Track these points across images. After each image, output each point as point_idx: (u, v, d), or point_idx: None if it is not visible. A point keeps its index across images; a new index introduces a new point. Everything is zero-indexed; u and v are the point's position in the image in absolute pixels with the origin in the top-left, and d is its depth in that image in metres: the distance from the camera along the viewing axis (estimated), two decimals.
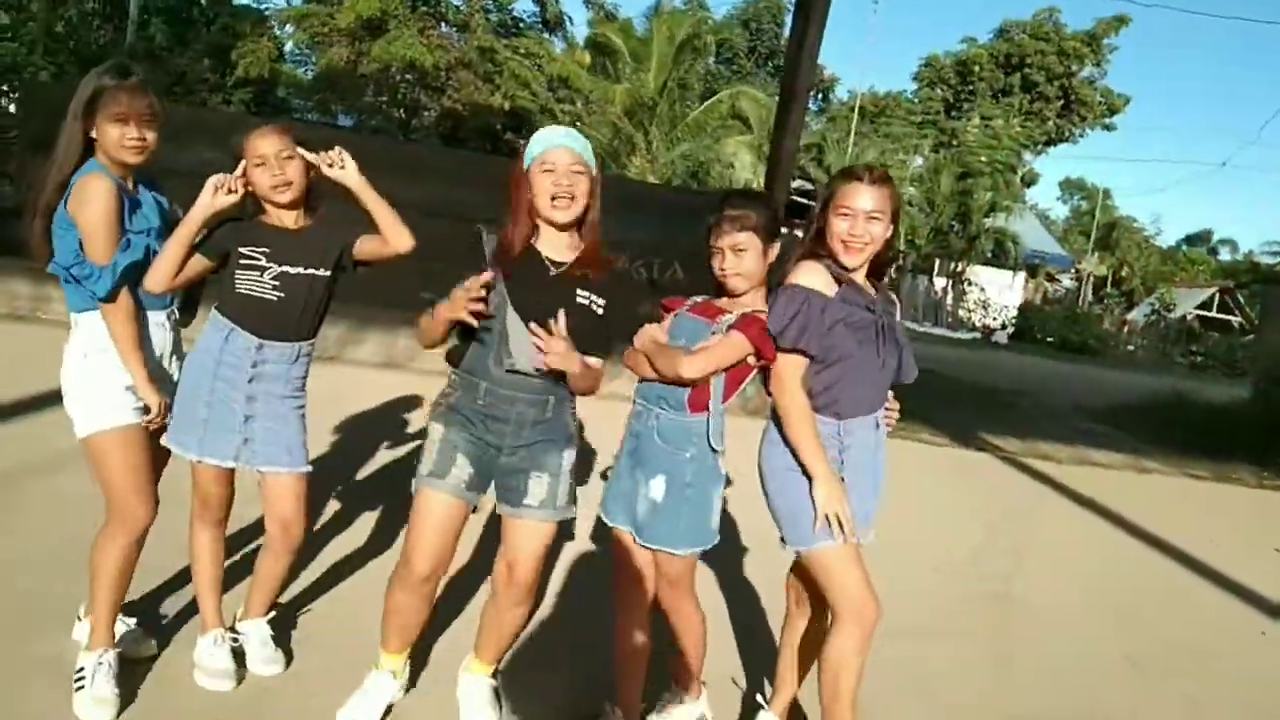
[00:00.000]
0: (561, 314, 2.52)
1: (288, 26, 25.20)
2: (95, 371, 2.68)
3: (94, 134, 2.61)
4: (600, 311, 2.66)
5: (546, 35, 26.88)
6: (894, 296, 2.88)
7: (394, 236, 2.77)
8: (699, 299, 2.90)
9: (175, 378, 2.84)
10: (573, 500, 2.76)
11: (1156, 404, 14.08)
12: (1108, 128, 44.11)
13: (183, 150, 7.97)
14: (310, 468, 2.92)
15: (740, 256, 2.72)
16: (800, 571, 2.92)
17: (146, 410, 2.71)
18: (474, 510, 2.73)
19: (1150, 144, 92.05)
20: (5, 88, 22.90)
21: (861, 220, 2.63)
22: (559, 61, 25.55)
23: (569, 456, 2.74)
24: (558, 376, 2.58)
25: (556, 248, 2.67)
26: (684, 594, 2.86)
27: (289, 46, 26.66)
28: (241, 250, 2.76)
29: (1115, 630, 4.79)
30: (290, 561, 3.02)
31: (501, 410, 2.63)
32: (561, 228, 2.64)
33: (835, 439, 2.67)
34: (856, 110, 36.04)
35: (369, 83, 24.38)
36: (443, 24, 24.56)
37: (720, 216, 2.75)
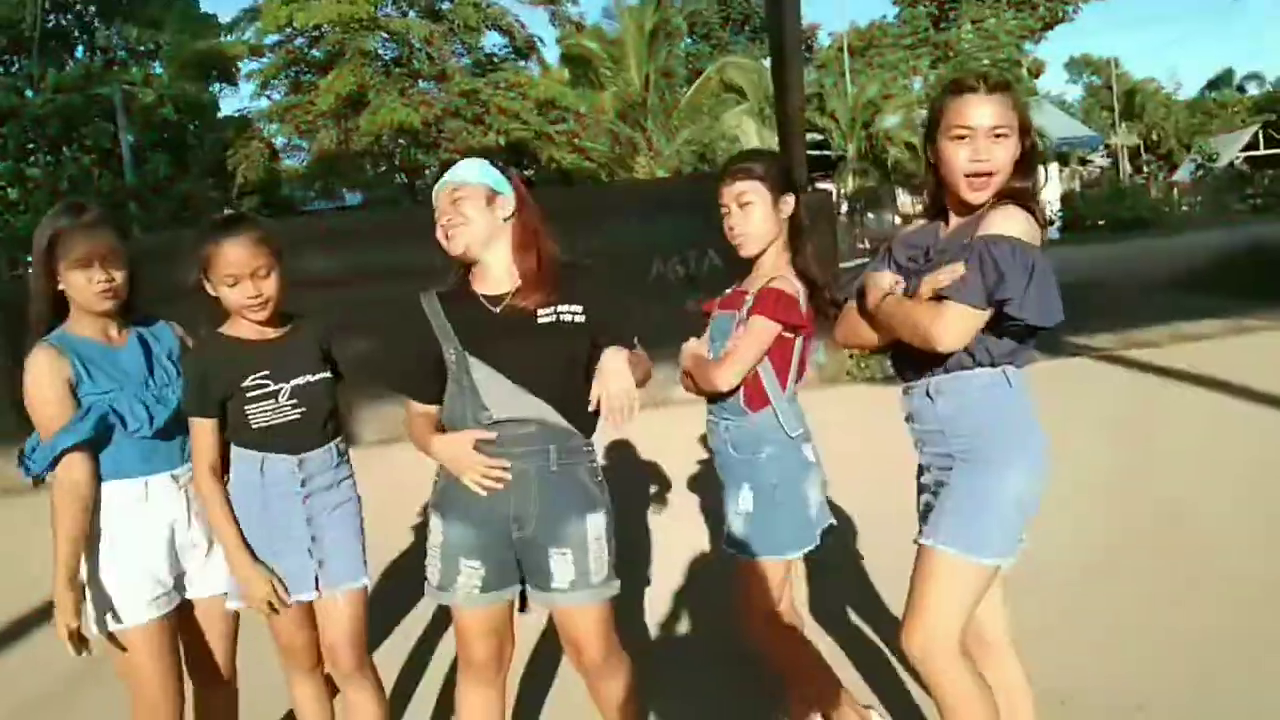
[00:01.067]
0: (604, 385, 2.19)
1: (273, 124, 25.43)
2: (118, 554, 2.42)
3: (61, 286, 2.35)
4: (581, 319, 2.29)
5: (522, 64, 26.77)
6: (998, 236, 2.05)
7: None
8: (729, 291, 2.68)
9: (204, 538, 2.53)
10: (612, 574, 2.34)
11: (1232, 258, 13.48)
12: None
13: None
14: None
15: (746, 210, 2.51)
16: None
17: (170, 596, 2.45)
18: (519, 606, 2.41)
19: (1148, 1, 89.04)
20: (29, 261, 23.37)
21: (984, 139, 2.09)
22: (541, 84, 25.42)
23: (596, 522, 2.31)
24: (571, 415, 2.26)
25: (492, 283, 2.35)
26: (781, 608, 2.60)
27: (279, 142, 26.91)
28: (242, 386, 2.41)
29: None
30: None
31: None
32: (475, 261, 2.34)
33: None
34: (845, 49, 35.34)
35: (365, 157, 24.49)
36: (419, 80, 24.57)
37: (723, 171, 2.61)
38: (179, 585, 2.50)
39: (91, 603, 2.38)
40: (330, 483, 2.52)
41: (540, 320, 2.28)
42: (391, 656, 3.81)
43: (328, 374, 2.53)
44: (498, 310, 2.31)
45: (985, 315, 2.05)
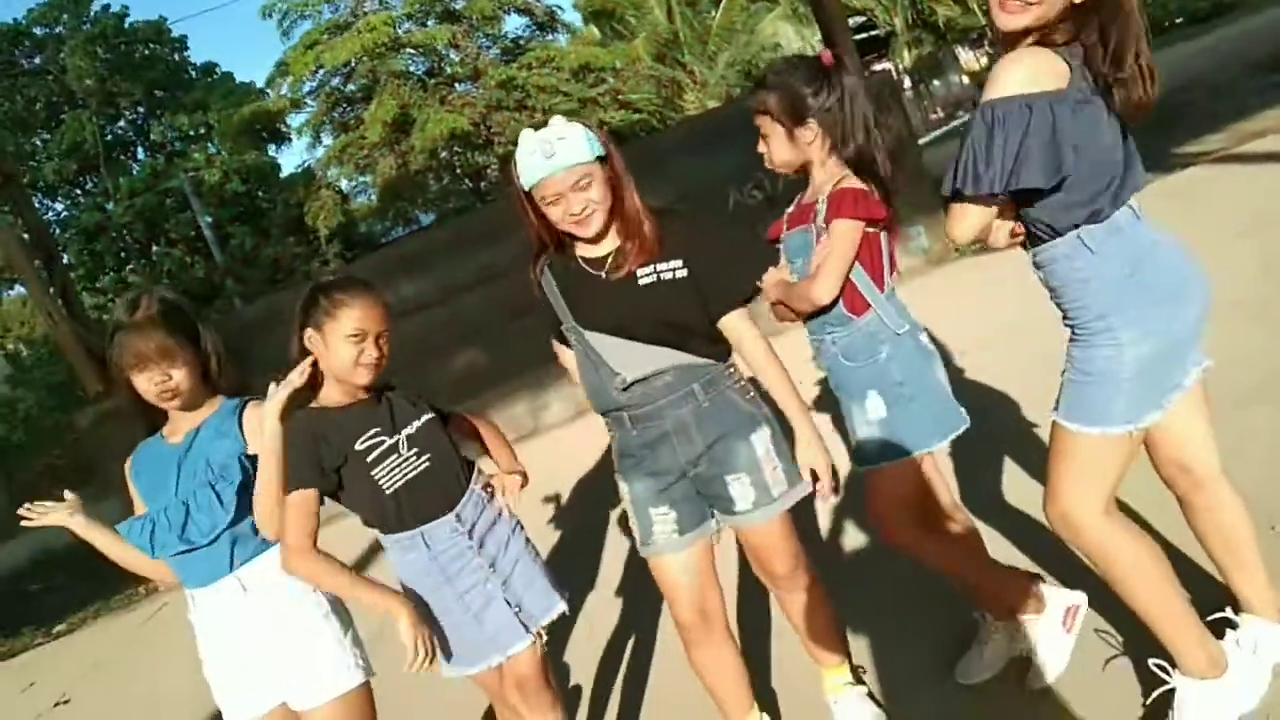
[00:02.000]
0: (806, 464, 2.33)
1: (333, 169, 25.98)
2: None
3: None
4: (683, 274, 2.27)
5: (548, 37, 26.62)
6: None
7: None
8: (791, 209, 2.58)
9: (254, 655, 2.37)
10: (792, 480, 2.37)
11: None
12: None
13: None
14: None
15: (767, 143, 2.50)
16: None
17: None
18: (717, 538, 2.46)
19: None
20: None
21: None
22: (572, 53, 25.23)
23: (761, 439, 2.34)
24: (702, 351, 2.30)
25: (595, 247, 2.33)
26: (948, 501, 2.57)
27: (345, 185, 27.52)
28: (357, 449, 2.26)
29: None
30: None
31: (656, 428, 2.32)
32: (596, 238, 2.30)
33: None
34: None
35: (426, 174, 24.82)
36: (456, 84, 24.71)
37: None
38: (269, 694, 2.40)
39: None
40: (491, 521, 2.43)
41: (642, 282, 2.27)
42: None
43: (432, 414, 2.42)
44: (603, 274, 2.30)
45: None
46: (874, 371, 2.41)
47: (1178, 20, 28.04)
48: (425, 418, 2.39)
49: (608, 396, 2.32)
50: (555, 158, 2.16)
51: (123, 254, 28.23)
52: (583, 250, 2.34)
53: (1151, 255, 2.00)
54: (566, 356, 2.48)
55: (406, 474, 2.29)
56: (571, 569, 4.67)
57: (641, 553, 2.46)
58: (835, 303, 2.38)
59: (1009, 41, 1.96)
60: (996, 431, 4.11)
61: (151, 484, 2.37)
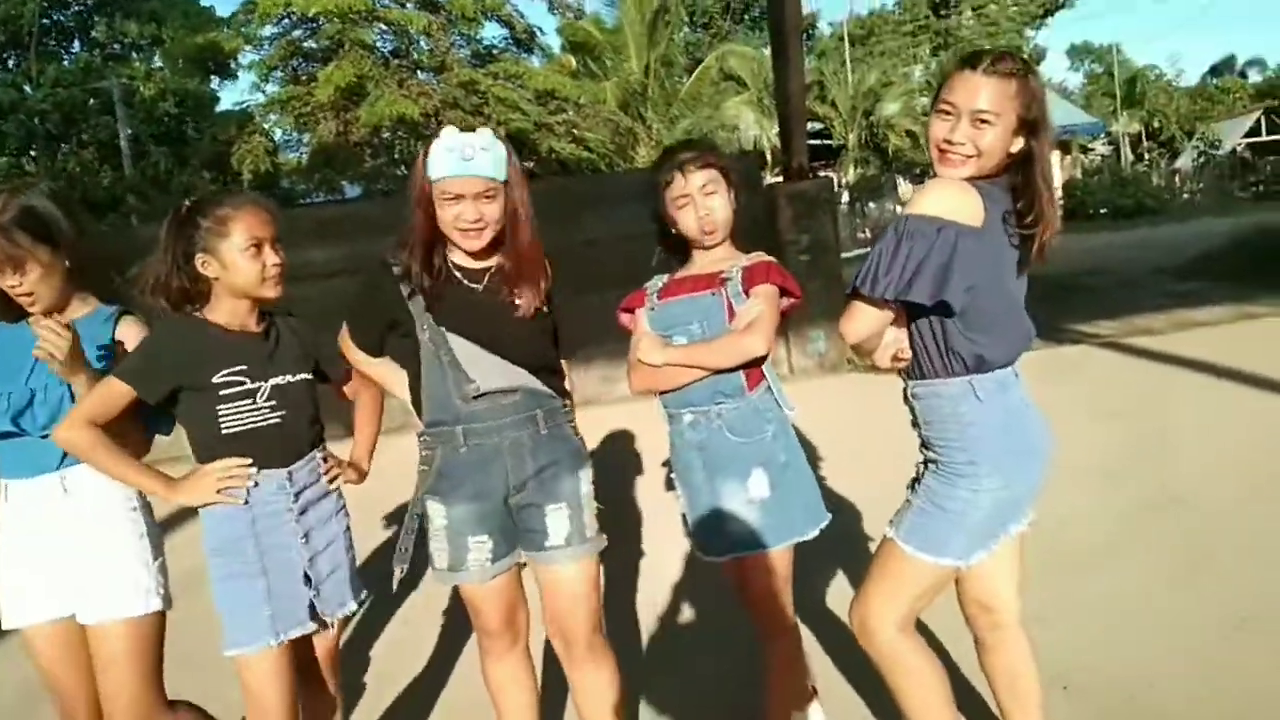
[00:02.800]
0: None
1: (272, 116, 25.37)
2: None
3: None
4: (546, 310, 2.35)
5: (522, 54, 26.69)
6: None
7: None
8: (660, 282, 2.53)
9: (55, 559, 2.30)
10: (601, 528, 2.39)
11: (1237, 244, 13.40)
12: None
13: None
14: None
15: (710, 200, 2.43)
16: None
17: None
18: (522, 565, 2.42)
19: None
20: None
21: (964, 121, 2.03)
22: (540, 75, 25.35)
23: (586, 477, 2.38)
24: (549, 381, 2.36)
25: (474, 257, 2.32)
26: (787, 599, 2.50)
27: (279, 135, 26.88)
28: (213, 381, 2.18)
29: None
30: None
31: (491, 445, 2.28)
32: (477, 254, 2.31)
33: None
34: (845, 38, 35.25)
35: (364, 149, 24.43)
36: (419, 71, 24.50)
37: (675, 163, 2.44)
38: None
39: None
40: (321, 493, 2.36)
41: (517, 302, 2.29)
42: (394, 649, 3.80)
43: (309, 375, 2.36)
44: (479, 287, 2.30)
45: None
46: (760, 449, 2.38)
47: (1102, 210, 29.78)
48: (300, 376, 2.33)
49: (449, 405, 2.27)
50: (472, 163, 2.18)
51: (29, 141, 26.89)
52: (457, 258, 2.32)
53: (1022, 414, 2.16)
54: (374, 367, 2.46)
55: (253, 422, 2.22)
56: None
57: (443, 580, 2.36)
58: (730, 372, 2.37)
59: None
60: (842, 535, 4.25)
61: (3, 363, 2.27)
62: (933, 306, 2.01)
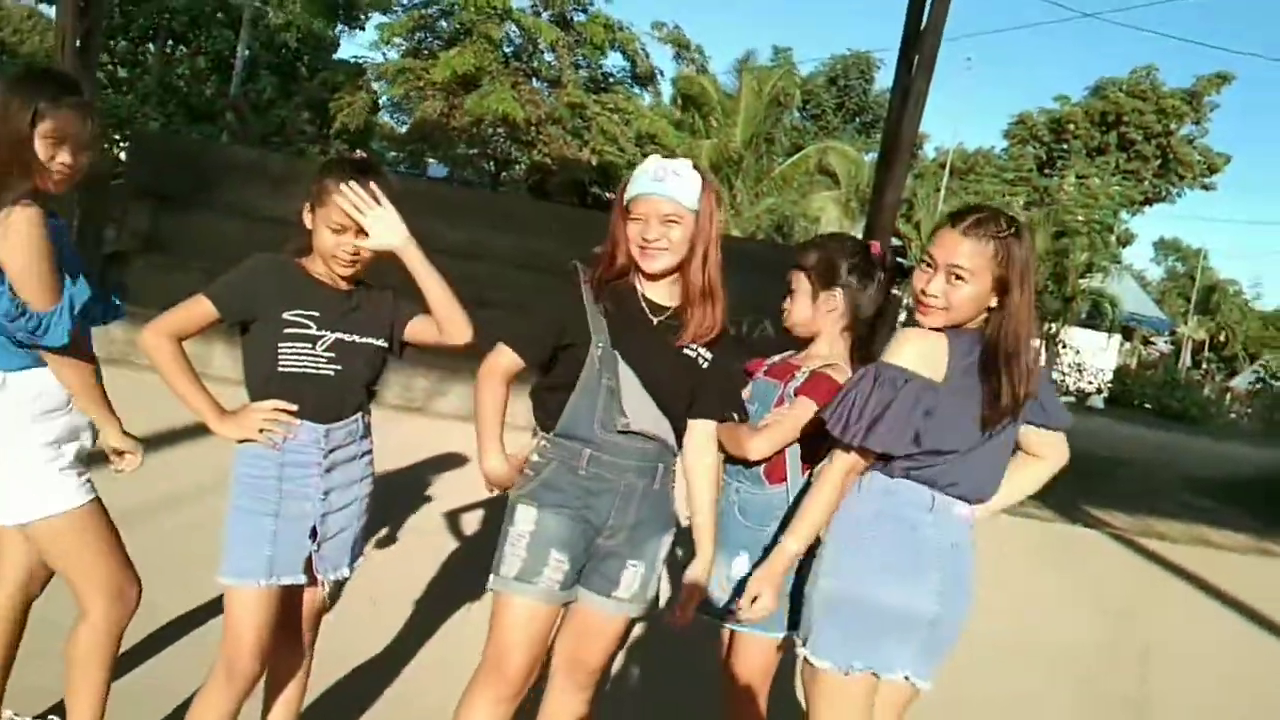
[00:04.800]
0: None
1: (384, 80, 25.88)
2: (39, 443, 2.27)
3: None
4: (705, 365, 2.33)
5: (636, 90, 27.13)
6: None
7: (449, 325, 2.32)
8: (777, 358, 2.68)
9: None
10: (656, 596, 2.44)
11: (1266, 479, 13.22)
12: (1206, 187, 42.66)
13: (277, 199, 8.12)
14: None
15: (792, 297, 2.61)
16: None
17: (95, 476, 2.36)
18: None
19: (1250, 204, 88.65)
20: (118, 138, 23.95)
21: (940, 275, 2.13)
22: (647, 118, 25.73)
23: (667, 544, 2.40)
24: (678, 439, 2.35)
25: (661, 293, 2.33)
26: (762, 687, 2.56)
27: (384, 99, 27.39)
28: (283, 317, 2.24)
29: None
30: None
31: (607, 482, 2.26)
32: (655, 277, 2.31)
33: None
34: (948, 166, 35.51)
35: (461, 135, 24.84)
36: (534, 79, 24.97)
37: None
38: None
39: (29, 489, 2.28)
40: (352, 455, 2.39)
41: (684, 351, 2.31)
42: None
43: (379, 342, 2.37)
44: (656, 321, 2.32)
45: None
46: (756, 539, 2.47)
47: (1146, 405, 29.59)
48: (367, 340, 2.35)
49: (588, 427, 2.25)
50: (662, 184, 2.23)
51: (152, 33, 27.56)
52: (648, 291, 2.33)
53: (900, 534, 2.16)
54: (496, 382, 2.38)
55: (305, 368, 2.25)
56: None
57: (506, 586, 2.28)
58: (760, 462, 2.48)
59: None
60: None
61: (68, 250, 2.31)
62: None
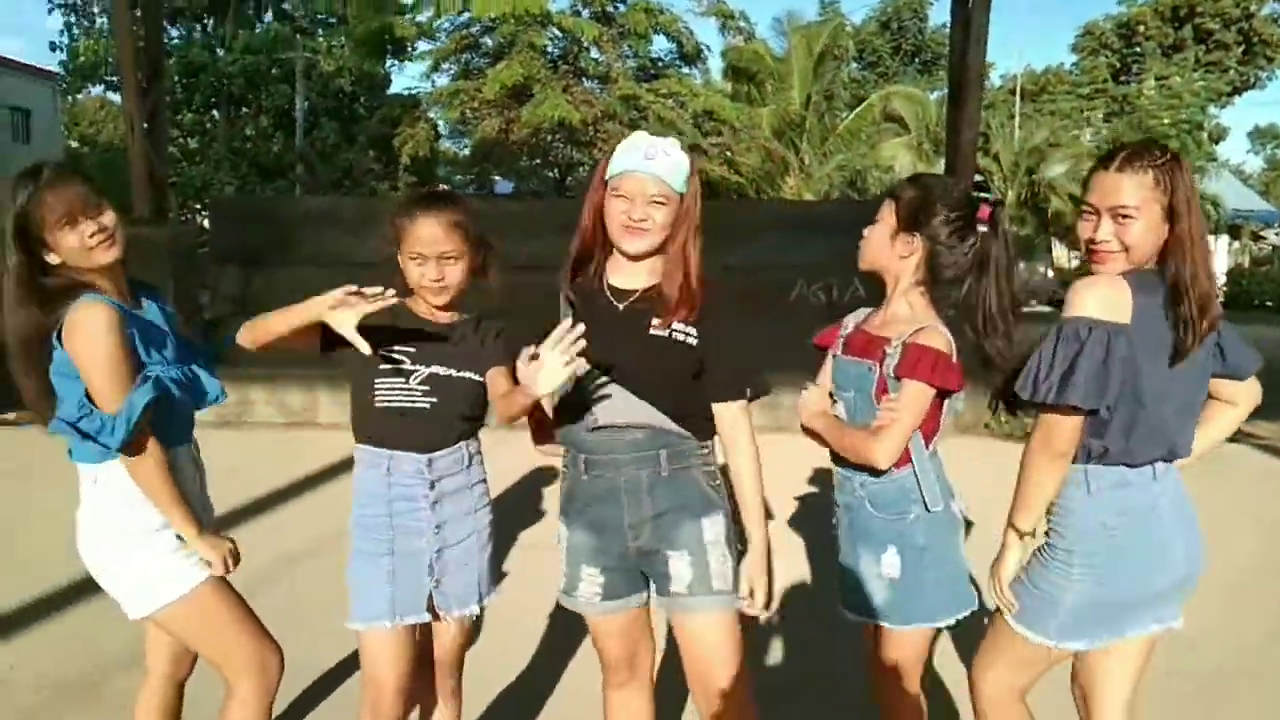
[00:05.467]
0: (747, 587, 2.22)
1: (439, 106, 26.23)
2: (138, 533, 2.23)
3: (49, 255, 2.16)
4: (693, 343, 2.18)
5: (686, 70, 26.92)
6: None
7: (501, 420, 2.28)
8: (850, 326, 2.45)
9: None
10: (736, 581, 2.23)
11: None
12: None
13: (358, 242, 8.25)
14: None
15: (870, 232, 2.38)
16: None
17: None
18: (646, 605, 2.34)
19: None
20: (199, 207, 24.85)
21: (1107, 218, 2.03)
22: (701, 96, 25.51)
23: (712, 524, 2.21)
24: (683, 420, 2.17)
25: (628, 276, 2.24)
26: (914, 680, 2.39)
27: (443, 126, 27.78)
28: (380, 353, 2.22)
29: None
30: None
31: (609, 481, 2.20)
32: (635, 258, 2.22)
33: None
34: (1018, 91, 34.32)
35: (522, 148, 25.05)
36: (584, 79, 24.98)
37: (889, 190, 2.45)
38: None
39: (133, 585, 2.25)
40: (461, 486, 2.35)
41: (653, 331, 2.18)
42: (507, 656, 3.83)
43: (476, 377, 2.32)
44: (621, 307, 2.23)
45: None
46: (899, 528, 2.29)
47: (1267, 302, 28.16)
48: (464, 374, 2.31)
49: (574, 430, 2.23)
50: (652, 163, 2.14)
51: (213, 101, 28.51)
52: (613, 276, 2.27)
53: (1145, 519, 2.08)
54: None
55: (400, 402, 2.26)
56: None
57: (563, 600, 2.34)
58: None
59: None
60: None
61: (157, 340, 2.30)
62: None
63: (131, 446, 2.13)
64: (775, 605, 2.27)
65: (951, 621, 2.33)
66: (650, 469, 2.18)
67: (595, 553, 2.25)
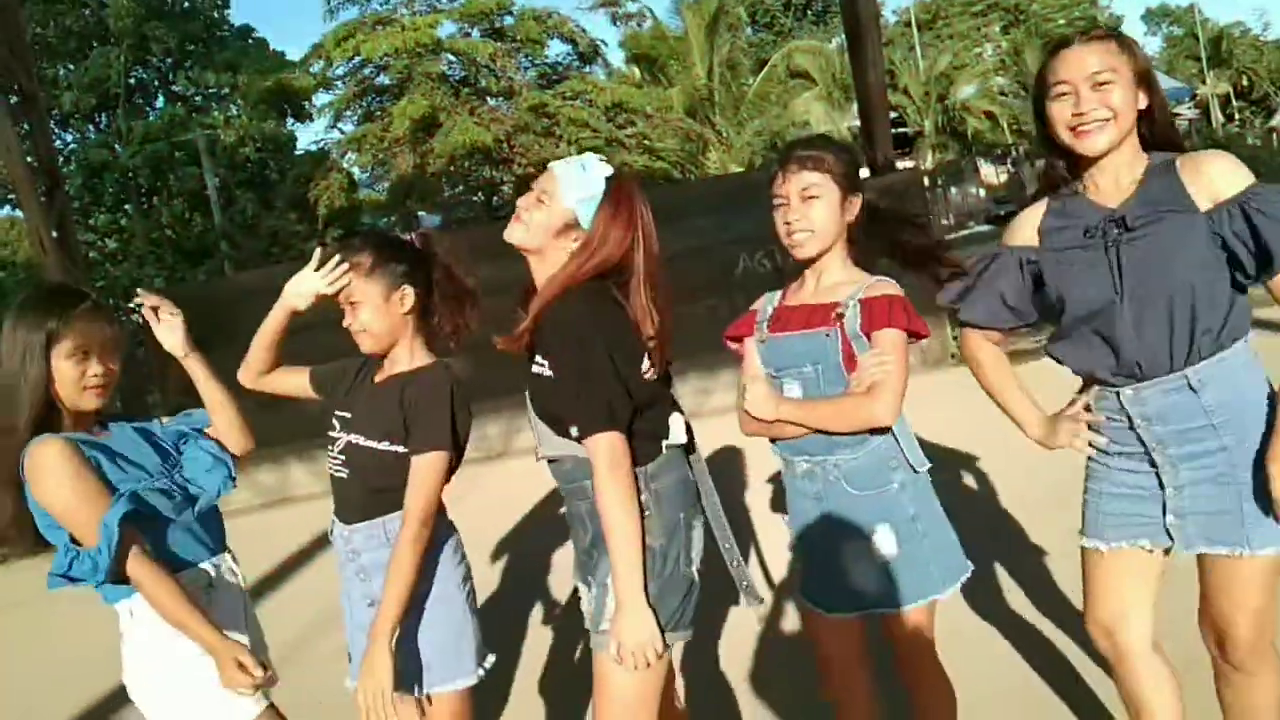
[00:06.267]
0: None
1: (350, 155, 25.93)
2: (180, 663, 2.10)
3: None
4: (549, 371, 2.03)
5: (587, 69, 26.83)
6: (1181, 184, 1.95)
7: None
8: (771, 306, 2.32)
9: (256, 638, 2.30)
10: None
11: None
12: None
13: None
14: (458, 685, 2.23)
15: (809, 205, 2.16)
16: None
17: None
18: None
19: None
20: (131, 307, 24.35)
21: (1085, 89, 1.94)
22: (607, 90, 25.43)
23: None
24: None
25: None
26: (932, 655, 2.29)
27: (357, 173, 27.47)
28: (332, 411, 2.31)
29: None
30: None
31: (568, 507, 2.22)
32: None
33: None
34: (913, 24, 34.59)
35: (441, 179, 24.79)
36: (488, 98, 24.80)
37: (785, 159, 2.22)
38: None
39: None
40: (385, 563, 2.13)
41: (533, 369, 2.10)
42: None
43: (389, 447, 2.17)
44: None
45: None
46: (885, 502, 2.15)
47: None
48: (372, 444, 2.19)
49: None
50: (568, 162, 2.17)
51: (123, 197, 27.99)
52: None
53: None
54: None
55: (331, 468, 2.28)
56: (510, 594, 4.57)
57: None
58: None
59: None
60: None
61: (126, 460, 2.17)
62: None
63: (128, 572, 2.00)
64: (643, 661, 1.94)
65: (955, 588, 2.21)
66: (586, 502, 2.09)
67: (577, 569, 2.24)
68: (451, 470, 2.21)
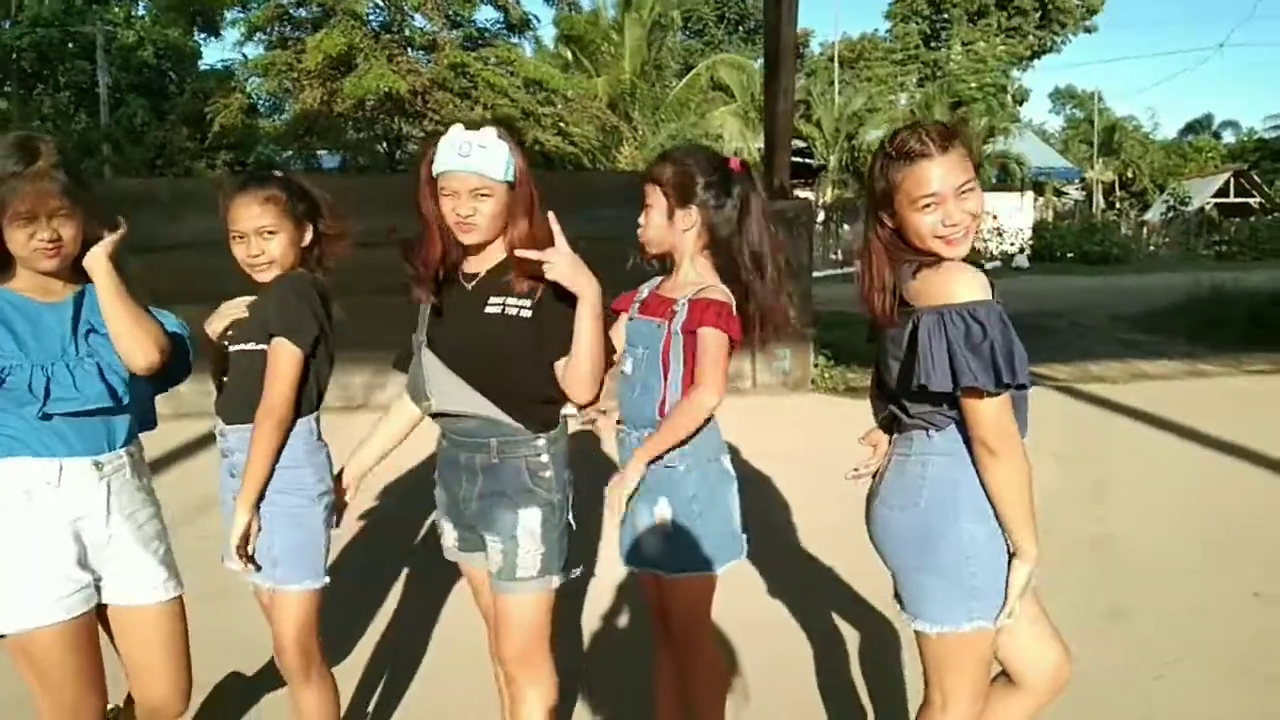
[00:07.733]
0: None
1: (255, 79, 25.06)
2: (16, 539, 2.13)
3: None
4: (527, 315, 2.23)
5: (514, 40, 26.61)
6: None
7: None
8: (646, 292, 2.57)
9: (130, 538, 2.28)
10: (547, 570, 2.30)
11: (1195, 301, 13.64)
12: (1089, 30, 43.45)
13: (172, 223, 7.87)
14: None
15: (646, 213, 2.48)
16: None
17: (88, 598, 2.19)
18: None
19: (1135, 40, 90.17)
20: None
21: (953, 201, 1.96)
22: (531, 65, 25.29)
23: (528, 516, 2.28)
24: (514, 409, 2.25)
25: (477, 260, 2.34)
26: (699, 629, 2.52)
27: (259, 99, 26.57)
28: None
29: (1233, 560, 4.53)
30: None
31: (453, 455, 2.37)
32: (477, 248, 2.30)
33: None
34: (835, 59, 35.51)
35: (347, 121, 24.21)
36: (410, 48, 24.33)
37: (648, 171, 2.53)
38: (96, 586, 2.23)
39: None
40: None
41: (487, 310, 2.26)
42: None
43: (256, 347, 2.36)
44: (470, 287, 2.32)
45: None
46: (668, 479, 2.39)
47: (1069, 254, 30.30)
48: (248, 347, 2.40)
49: (423, 406, 2.38)
50: (468, 160, 2.20)
51: (2, 78, 26.38)
52: (467, 264, 2.36)
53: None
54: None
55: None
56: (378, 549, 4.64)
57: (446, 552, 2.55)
58: (652, 398, 2.41)
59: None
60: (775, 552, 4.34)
61: (21, 341, 2.11)
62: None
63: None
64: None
65: (721, 571, 2.44)
66: (484, 455, 2.30)
67: (448, 509, 2.44)
68: (327, 361, 2.45)
